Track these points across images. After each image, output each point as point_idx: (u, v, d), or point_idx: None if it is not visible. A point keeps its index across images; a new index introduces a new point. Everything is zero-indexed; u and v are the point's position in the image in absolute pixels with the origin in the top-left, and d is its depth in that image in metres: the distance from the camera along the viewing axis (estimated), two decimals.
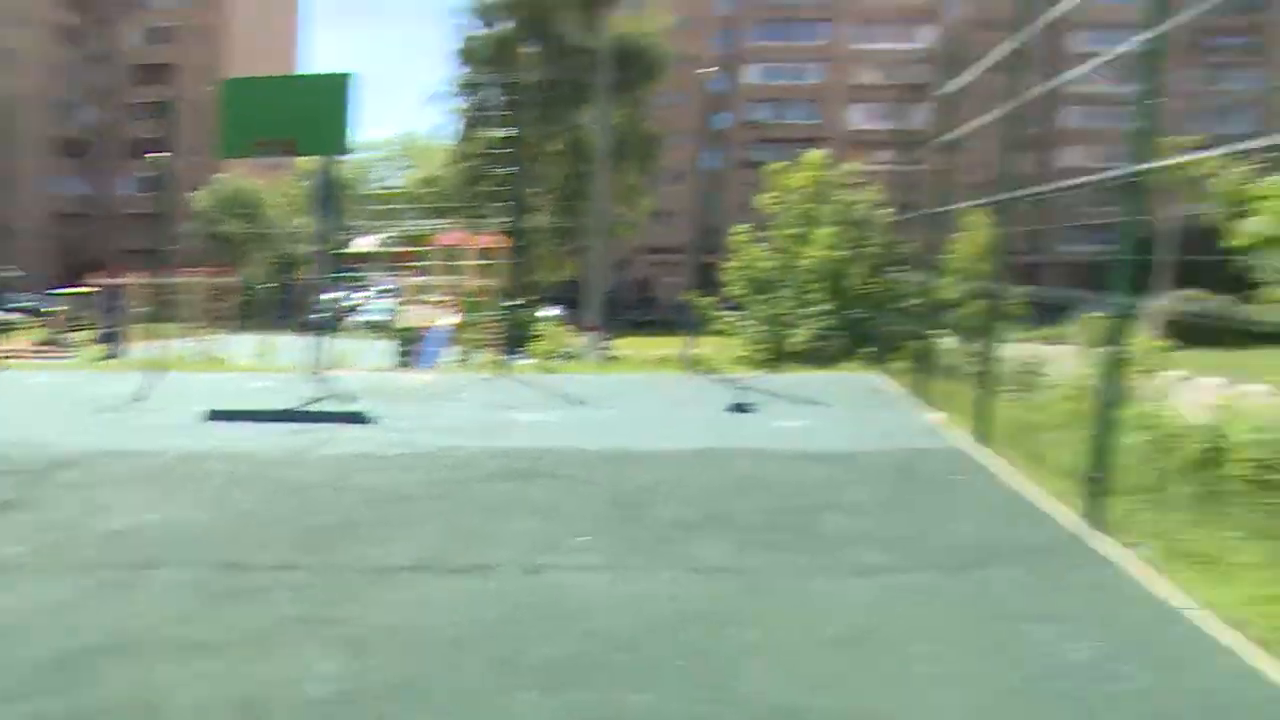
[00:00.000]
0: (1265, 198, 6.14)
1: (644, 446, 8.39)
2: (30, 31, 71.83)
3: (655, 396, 11.49)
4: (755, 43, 72.26)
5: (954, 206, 11.41)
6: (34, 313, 40.10)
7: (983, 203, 10.03)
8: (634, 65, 39.40)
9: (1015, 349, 14.05)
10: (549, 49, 39.47)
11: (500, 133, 31.32)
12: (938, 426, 9.22)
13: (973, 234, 18.74)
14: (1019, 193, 8.29)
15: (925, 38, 66.58)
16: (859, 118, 69.96)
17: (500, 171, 21.23)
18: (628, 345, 27.12)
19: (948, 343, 13.80)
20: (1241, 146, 5.64)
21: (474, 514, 6.40)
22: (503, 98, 39.46)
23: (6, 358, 19.07)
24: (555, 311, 31.69)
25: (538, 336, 18.30)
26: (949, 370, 12.28)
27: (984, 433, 8.29)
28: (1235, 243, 6.18)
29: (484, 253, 21.66)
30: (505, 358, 14.56)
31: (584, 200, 36.01)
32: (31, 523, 6.17)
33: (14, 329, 32.87)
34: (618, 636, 4.38)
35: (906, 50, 67.85)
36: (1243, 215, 6.18)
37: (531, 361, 16.18)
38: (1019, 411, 9.14)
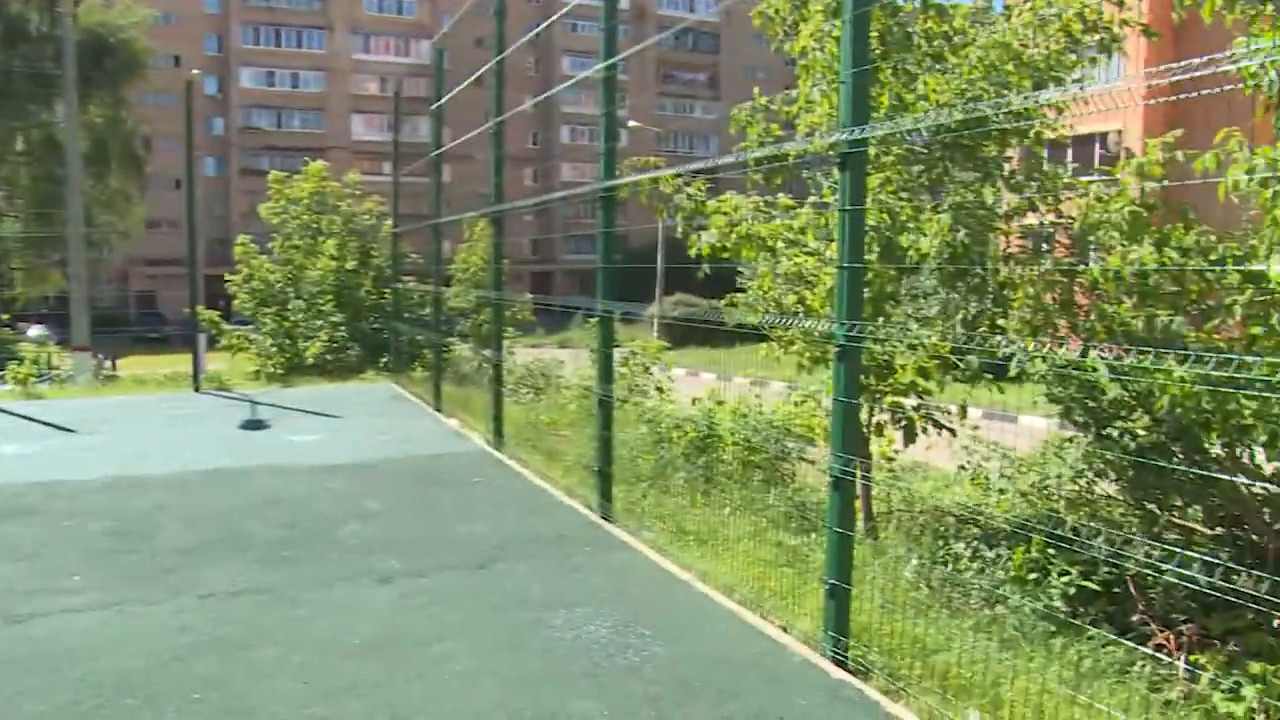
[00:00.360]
0: (715, 212, 7.05)
1: (147, 471, 7.78)
2: None
3: (161, 417, 10.68)
4: (248, 46, 69.10)
5: (451, 218, 11.82)
6: None
7: (475, 214, 10.50)
8: (110, 60, 35.78)
9: (528, 353, 14.88)
10: (1, 33, 34.55)
11: None
12: (456, 431, 9.50)
13: (479, 244, 19.48)
14: (508, 205, 8.74)
15: (423, 52, 67.94)
16: (361, 128, 69.66)
17: None
18: (132, 364, 24.74)
19: (462, 350, 14.26)
20: (694, 167, 6.44)
21: None
22: None
23: None
24: (41, 330, 28.10)
25: (16, 359, 16.12)
26: (464, 377, 12.70)
27: (499, 435, 8.68)
28: (693, 252, 7.03)
29: None
30: None
31: (61, 206, 32.22)
32: None
33: None
34: (123, 678, 4.02)
35: (405, 63, 68.76)
36: (702, 228, 7.04)
37: (9, 388, 14.25)
38: (532, 413, 9.68)
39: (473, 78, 10.00)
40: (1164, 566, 3.03)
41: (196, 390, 13.27)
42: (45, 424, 10.01)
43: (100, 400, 12.71)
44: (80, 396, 13.45)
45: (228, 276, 17.95)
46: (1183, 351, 4.99)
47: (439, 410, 10.69)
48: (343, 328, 16.57)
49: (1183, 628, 4.74)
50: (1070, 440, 6.10)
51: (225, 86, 68.61)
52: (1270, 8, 4.97)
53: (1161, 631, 4.74)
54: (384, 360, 15.23)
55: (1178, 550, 3.01)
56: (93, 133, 35.06)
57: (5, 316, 26.45)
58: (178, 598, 4.97)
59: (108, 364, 21.45)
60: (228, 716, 3.69)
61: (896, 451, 7.18)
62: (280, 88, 70.31)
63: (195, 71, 20.77)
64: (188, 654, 4.26)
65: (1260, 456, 5.18)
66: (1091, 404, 5.67)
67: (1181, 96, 3.23)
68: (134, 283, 62.82)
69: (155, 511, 6.62)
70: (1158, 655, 4.31)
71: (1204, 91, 3.13)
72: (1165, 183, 5.86)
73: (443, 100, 11.10)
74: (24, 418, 10.48)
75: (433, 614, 4.74)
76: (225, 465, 8.03)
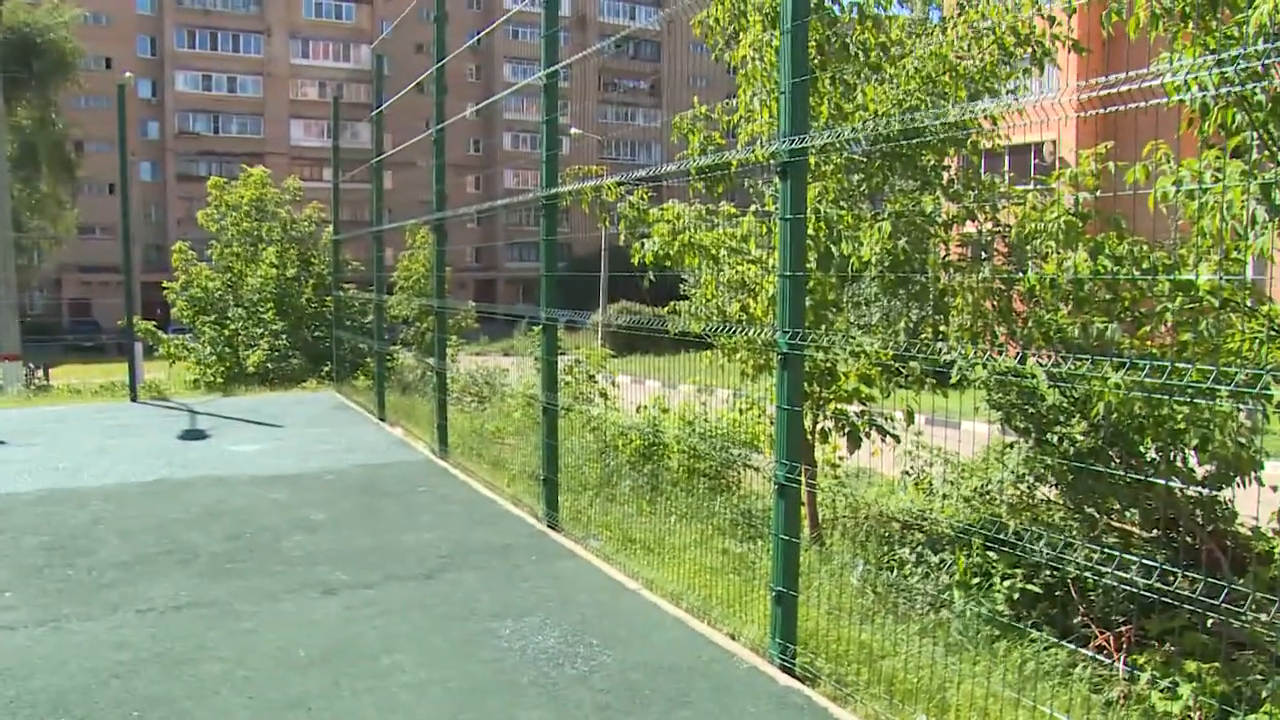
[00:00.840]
0: (658, 221, 7.08)
1: (82, 484, 7.62)
2: None
3: (96, 428, 10.45)
4: (183, 50, 68.01)
5: (393, 225, 11.73)
6: None
7: (417, 221, 10.41)
8: (37, 60, 34.91)
9: (472, 361, 14.80)
10: None
11: None
12: (400, 440, 9.42)
13: (421, 251, 19.35)
14: (450, 213, 8.70)
15: (362, 58, 67.46)
16: (300, 134, 68.91)
17: None
18: (65, 373, 24.15)
19: (405, 358, 14.15)
20: (637, 175, 6.46)
21: None
22: None
23: None
24: None
25: None
26: (408, 385, 12.60)
27: (444, 444, 8.63)
28: (636, 260, 7.06)
29: None
30: None
31: None
32: None
33: None
34: (58, 697, 3.93)
35: (345, 69, 68.21)
36: (645, 236, 7.07)
37: None
38: (477, 421, 9.63)
39: (413, 84, 9.96)
40: (1103, 569, 3.10)
41: (134, 400, 13.00)
42: None
43: (32, 410, 12.41)
44: (10, 407, 13.12)
45: (165, 284, 17.63)
46: (1118, 358, 5.13)
47: (383, 419, 10.60)
48: (284, 336, 16.36)
49: (1122, 629, 4.85)
50: (1011, 446, 6.21)
51: (160, 90, 67.42)
52: (1190, 26, 5.11)
53: (1102, 633, 4.85)
54: (326, 369, 15.07)
55: (1116, 553, 3.08)
56: (20, 135, 34.20)
57: None
58: (116, 613, 4.88)
59: (39, 374, 20.91)
60: None
61: (841, 458, 7.26)
62: (217, 92, 69.23)
63: (128, 74, 20.39)
64: (127, 671, 4.18)
65: (1193, 460, 5.32)
66: (1031, 410, 5.79)
67: (1111, 110, 3.32)
68: (67, 290, 61.34)
69: (92, 525, 6.49)
70: (1098, 657, 4.41)
71: (1132, 105, 3.22)
72: (1098, 193, 6.01)
73: (383, 106, 11.03)
74: None
75: (380, 625, 4.70)
76: (165, 476, 7.89)
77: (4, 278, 23.45)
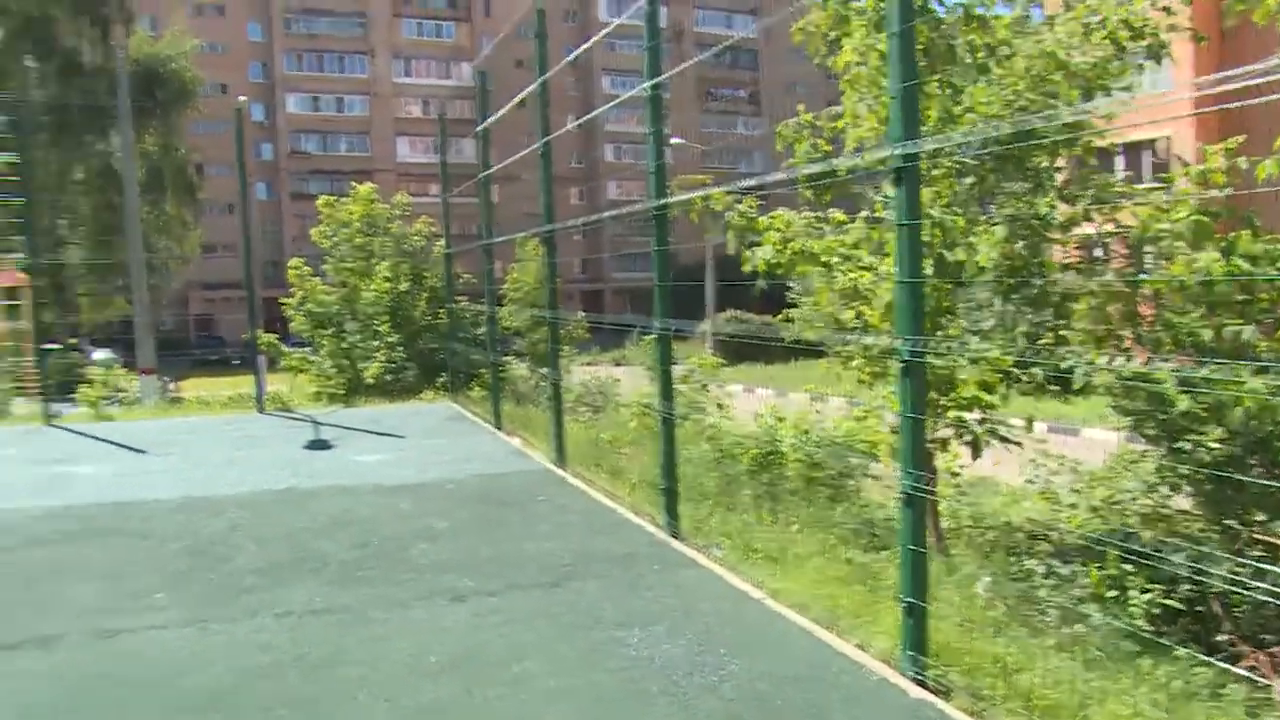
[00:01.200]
0: (768, 229, 7.08)
1: (218, 492, 7.95)
2: None
3: (227, 438, 10.88)
4: (292, 72, 70.51)
5: (503, 239, 11.92)
6: None
7: (527, 234, 10.58)
8: (160, 89, 36.77)
9: (584, 372, 14.97)
10: (55, 66, 35.55)
11: (2, 157, 27.86)
12: (517, 450, 9.58)
13: (530, 263, 19.64)
14: (560, 225, 8.82)
15: (463, 74, 68.84)
16: (406, 150, 70.69)
17: (11, 201, 18.97)
18: (193, 386, 25.24)
19: (519, 369, 14.39)
20: (746, 184, 6.46)
21: (22, 583, 5.71)
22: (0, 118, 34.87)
23: None
24: (107, 354, 28.73)
25: (86, 382, 16.55)
26: (522, 395, 12.81)
27: (561, 453, 8.74)
28: (747, 268, 7.06)
29: (7, 292, 19.16)
30: (48, 407, 13.04)
31: (121, 233, 32.97)
32: None
33: None
34: (210, 694, 4.13)
35: (447, 86, 69.70)
36: (755, 244, 7.07)
37: (81, 409, 14.62)
38: (593, 431, 9.73)
39: (516, 100, 10.12)
40: (1252, 584, 3.00)
41: (260, 411, 13.49)
42: (117, 445, 10.26)
43: (167, 422, 12.99)
44: (148, 418, 13.77)
45: (282, 299, 18.26)
46: (1256, 362, 4.94)
47: (499, 429, 10.79)
48: (399, 348, 16.78)
49: (1276, 649, 4.64)
50: (1143, 455, 6.02)
51: (272, 113, 70.05)
52: None
53: (1253, 652, 4.65)
54: (441, 380, 15.40)
55: (1265, 567, 2.98)
56: (148, 161, 35.93)
57: (72, 341, 27.11)
58: (256, 617, 5.08)
59: (171, 386, 21.89)
60: None
61: (962, 466, 7.14)
62: (325, 112, 71.68)
63: (242, 98, 21.19)
64: (272, 672, 4.35)
65: None
66: (1162, 416, 5.61)
67: (1238, 105, 3.21)
68: (192, 306, 64.19)
69: (229, 532, 6.76)
70: (1251, 677, 4.23)
71: (1262, 99, 3.11)
72: (1229, 190, 5.81)
73: (488, 122, 11.23)
74: (96, 439, 10.75)
75: (507, 633, 4.79)
76: (293, 486, 8.17)
77: (139, 297, 24.59)
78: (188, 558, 6.17)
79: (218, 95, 54.84)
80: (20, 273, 19.08)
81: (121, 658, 4.57)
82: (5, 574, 5.90)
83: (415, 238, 18.59)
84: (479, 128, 11.42)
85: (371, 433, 10.82)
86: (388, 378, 16.24)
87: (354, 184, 19.23)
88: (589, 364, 18.22)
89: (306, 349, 17.86)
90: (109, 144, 35.32)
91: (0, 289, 19.42)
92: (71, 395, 16.13)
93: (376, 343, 16.77)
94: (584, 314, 20.46)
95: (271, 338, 17.20)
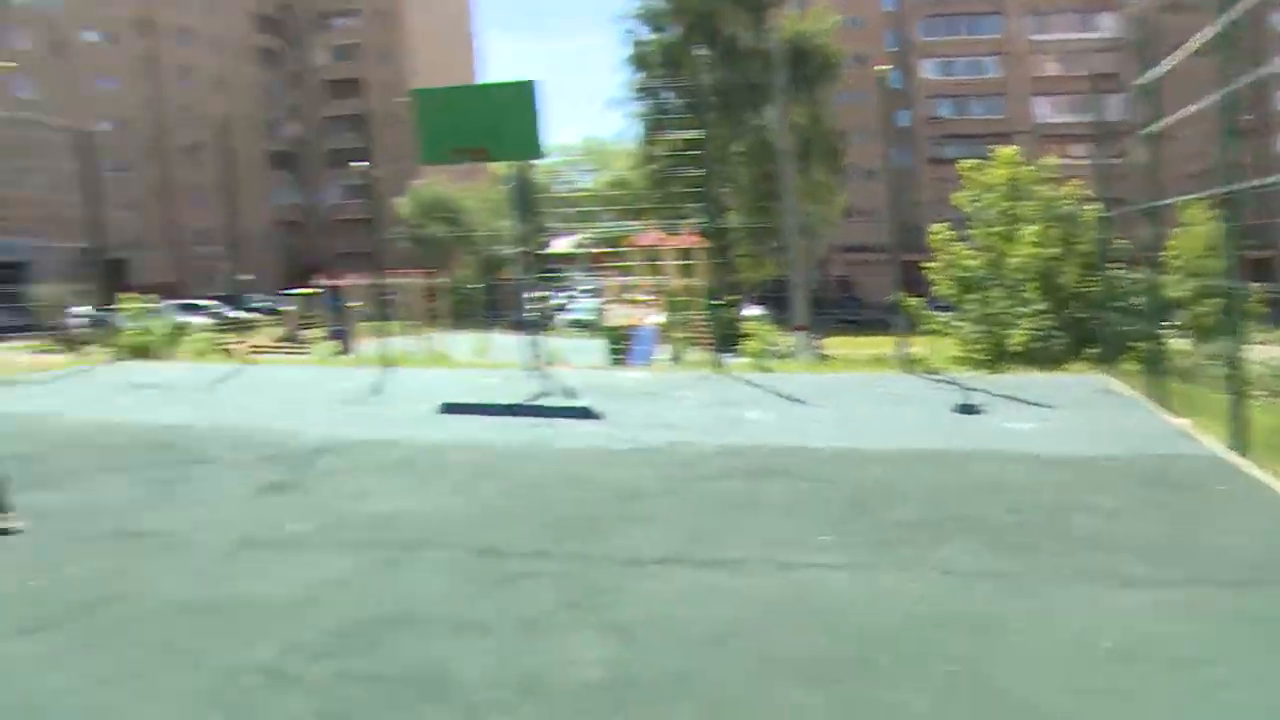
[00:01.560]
0: None
1: (870, 446, 8.28)
2: (234, 57, 77.99)
3: (874, 396, 11.32)
4: (925, 38, 70.59)
5: (1171, 200, 10.70)
6: (269, 312, 43.79)
7: (1207, 194, 9.34)
8: (807, 65, 39.57)
9: (1261, 350, 13.15)
10: (720, 52, 39.92)
11: (685, 134, 31.86)
12: (1181, 432, 8.69)
13: (1193, 228, 17.66)
14: (1248, 184, 7.66)
15: (1104, 26, 63.50)
16: (1045, 110, 67.37)
17: (690, 173, 21.55)
18: (836, 345, 26.81)
19: (1179, 343, 13.03)
20: None
21: (711, 510, 6.47)
22: (680, 100, 40.18)
23: (254, 352, 20.65)
24: (757, 311, 31.72)
25: (746, 335, 18.38)
26: (1185, 373, 11.60)
27: (1242, 439, 7.74)
28: None
29: (684, 253, 21.88)
30: (717, 356, 14.67)
31: (775, 200, 35.95)
32: (306, 504, 6.65)
33: (255, 327, 35.71)
34: (875, 636, 4.33)
35: (1086, 40, 64.83)
36: None
37: (744, 360, 16.22)
38: (1277, 417, 8.50)
39: (1190, 46, 9.00)
40: None
41: (906, 372, 13.84)
42: (777, 395, 11.18)
43: (819, 377, 13.85)
44: (802, 372, 14.81)
45: (923, 264, 18.47)
46: None
47: (1160, 408, 9.88)
48: (1046, 316, 16.13)
49: None
50: None
51: (907, 80, 71.11)
52: None
53: None
54: (1091, 351, 14.51)
55: None
56: (797, 132, 38.73)
57: (734, 298, 30.29)
58: (913, 569, 5.21)
59: (816, 343, 23.47)
60: (981, 695, 3.77)
61: None
62: (959, 76, 71.09)
63: (883, 67, 21.65)
64: (932, 625, 4.45)
65: None
66: None
67: None
68: (833, 269, 68.10)
69: (879, 484, 7.00)
70: None
71: None
72: None
73: (1152, 74, 10.14)
74: (758, 387, 11.84)
75: (1188, 630, 4.35)
76: (940, 447, 8.23)
77: (794, 259, 26.60)
78: (847, 505, 6.51)
79: (856, 66, 57.01)
80: (697, 235, 21.68)
81: (794, 588, 4.98)
82: (703, 501, 6.72)
83: (1064, 201, 17.68)
84: (1139, 81, 10.40)
85: (1019, 400, 10.52)
86: (1034, 345, 15.69)
87: (990, 148, 18.80)
88: (1262, 342, 15.94)
89: (948, 313, 17.93)
90: (763, 118, 38.88)
91: (678, 249, 22.26)
92: (734, 347, 17.94)
93: (1023, 309, 16.28)
94: (1261, 284, 17.95)
95: (917, 301, 17.52)
